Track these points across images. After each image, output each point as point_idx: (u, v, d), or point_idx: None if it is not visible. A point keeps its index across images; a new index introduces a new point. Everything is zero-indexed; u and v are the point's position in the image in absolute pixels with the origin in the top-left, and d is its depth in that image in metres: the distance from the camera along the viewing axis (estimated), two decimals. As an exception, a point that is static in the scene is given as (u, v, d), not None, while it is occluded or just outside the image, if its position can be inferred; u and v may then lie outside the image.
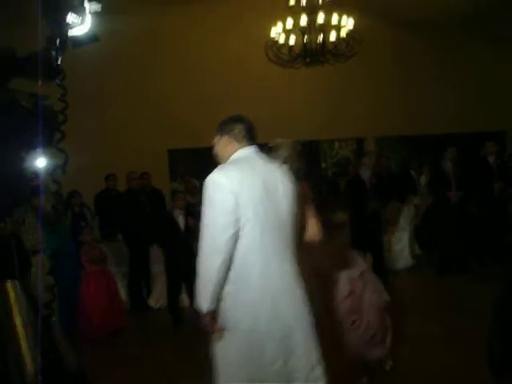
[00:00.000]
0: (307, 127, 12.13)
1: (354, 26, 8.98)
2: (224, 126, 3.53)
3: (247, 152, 3.47)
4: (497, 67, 13.47)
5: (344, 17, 8.95)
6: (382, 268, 8.20)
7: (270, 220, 3.30)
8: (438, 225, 9.27)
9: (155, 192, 9.23)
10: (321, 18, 8.71)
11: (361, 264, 4.79)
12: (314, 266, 4.53)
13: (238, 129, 3.49)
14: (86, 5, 1.77)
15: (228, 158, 3.48)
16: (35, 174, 2.67)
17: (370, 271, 4.82)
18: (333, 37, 8.95)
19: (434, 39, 13.04)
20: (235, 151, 3.47)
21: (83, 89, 9.86)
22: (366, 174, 8.99)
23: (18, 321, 1.58)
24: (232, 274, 3.24)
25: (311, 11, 8.82)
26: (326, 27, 8.90)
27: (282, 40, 9.08)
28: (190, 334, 7.05)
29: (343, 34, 8.98)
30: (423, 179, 11.32)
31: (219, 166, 3.40)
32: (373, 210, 8.75)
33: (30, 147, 2.04)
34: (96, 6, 1.79)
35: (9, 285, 1.60)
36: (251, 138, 3.51)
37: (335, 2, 8.90)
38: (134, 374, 5.82)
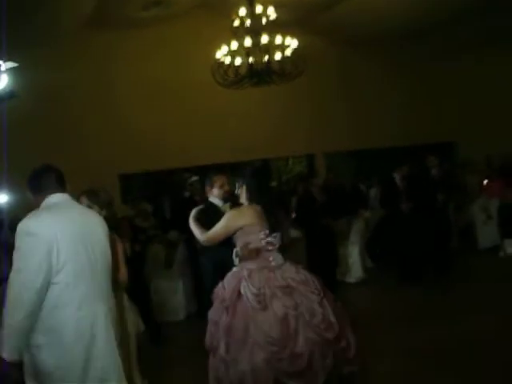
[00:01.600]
0: (259, 146, 12.28)
1: (299, 45, 9.11)
2: (32, 178, 3.51)
3: (58, 199, 3.47)
4: (443, 79, 13.85)
5: (288, 37, 9.10)
6: (333, 281, 8.31)
7: (84, 265, 3.33)
8: (393, 237, 9.47)
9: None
10: (265, 39, 8.84)
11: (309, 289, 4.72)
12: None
13: (45, 178, 3.48)
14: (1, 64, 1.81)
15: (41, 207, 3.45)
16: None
17: (316, 300, 4.73)
18: (278, 57, 9.07)
19: (376, 54, 13.34)
20: (45, 199, 3.45)
21: (37, 111, 9.91)
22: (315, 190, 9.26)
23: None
24: (42, 325, 3.20)
25: (255, 32, 8.94)
26: (270, 48, 9.03)
27: (227, 61, 9.16)
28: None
29: (288, 53, 9.11)
30: (373, 192, 11.53)
31: (32, 213, 3.36)
32: (324, 226, 8.92)
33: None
34: (11, 64, 1.84)
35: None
36: (60, 185, 3.51)
37: (279, 22, 9.05)
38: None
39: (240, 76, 9.23)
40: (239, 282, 4.63)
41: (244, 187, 4.92)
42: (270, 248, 4.74)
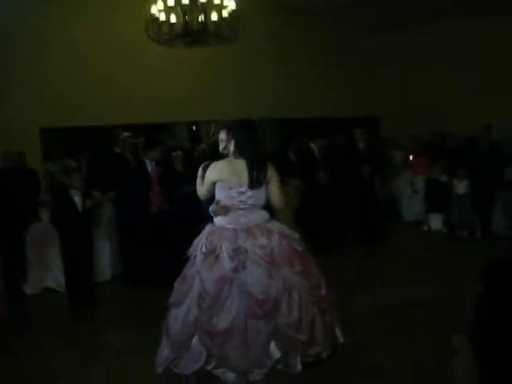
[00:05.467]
0: (187, 107, 12.05)
1: (237, 7, 8.90)
2: None
3: None
4: (373, 55, 14.03)
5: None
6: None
7: None
8: (310, 206, 9.54)
9: (31, 172, 8.72)
10: (203, -3, 8.54)
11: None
12: None
13: None
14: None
15: None
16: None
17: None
18: (214, 17, 8.83)
19: (311, 25, 13.31)
20: None
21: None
22: None
23: None
24: None
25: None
26: (207, 7, 8.77)
27: (162, 18, 8.83)
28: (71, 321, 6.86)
29: (225, 14, 8.87)
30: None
31: None
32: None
33: None
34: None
35: None
36: None
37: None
38: (16, 362, 5.54)
39: (174, 34, 8.93)
40: (201, 237, 4.64)
41: (232, 141, 4.67)
42: (242, 207, 4.59)
